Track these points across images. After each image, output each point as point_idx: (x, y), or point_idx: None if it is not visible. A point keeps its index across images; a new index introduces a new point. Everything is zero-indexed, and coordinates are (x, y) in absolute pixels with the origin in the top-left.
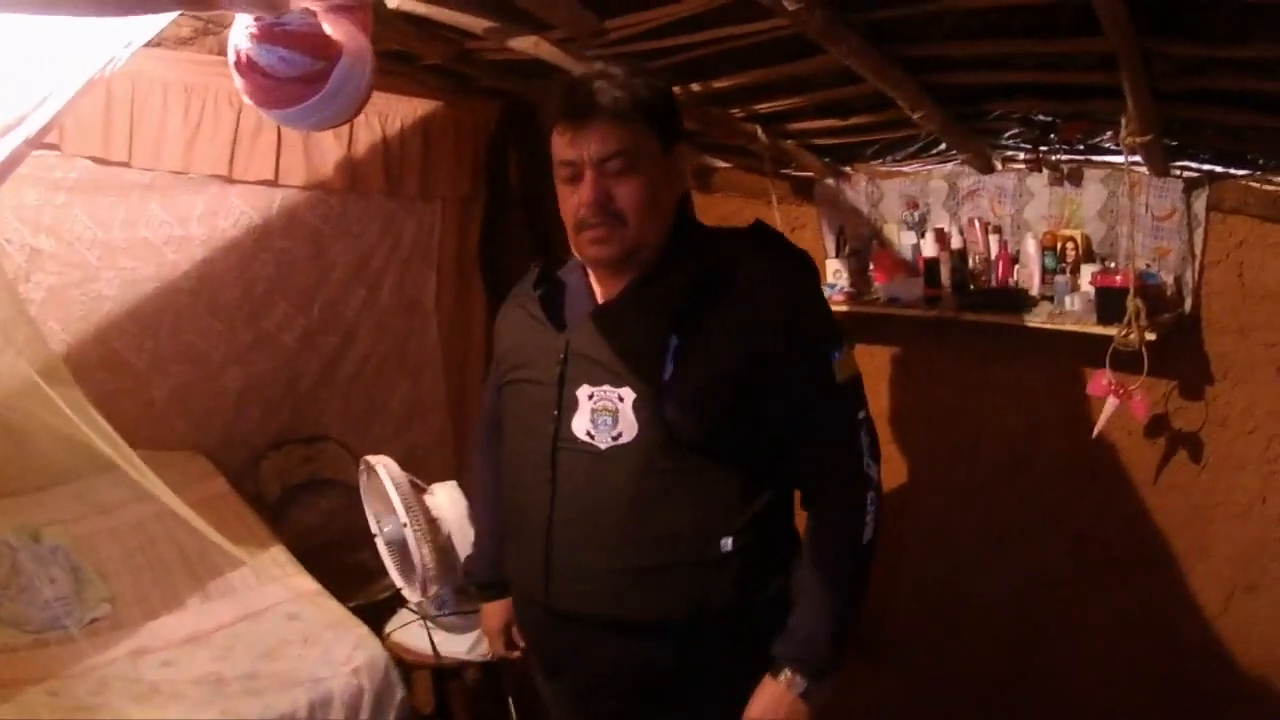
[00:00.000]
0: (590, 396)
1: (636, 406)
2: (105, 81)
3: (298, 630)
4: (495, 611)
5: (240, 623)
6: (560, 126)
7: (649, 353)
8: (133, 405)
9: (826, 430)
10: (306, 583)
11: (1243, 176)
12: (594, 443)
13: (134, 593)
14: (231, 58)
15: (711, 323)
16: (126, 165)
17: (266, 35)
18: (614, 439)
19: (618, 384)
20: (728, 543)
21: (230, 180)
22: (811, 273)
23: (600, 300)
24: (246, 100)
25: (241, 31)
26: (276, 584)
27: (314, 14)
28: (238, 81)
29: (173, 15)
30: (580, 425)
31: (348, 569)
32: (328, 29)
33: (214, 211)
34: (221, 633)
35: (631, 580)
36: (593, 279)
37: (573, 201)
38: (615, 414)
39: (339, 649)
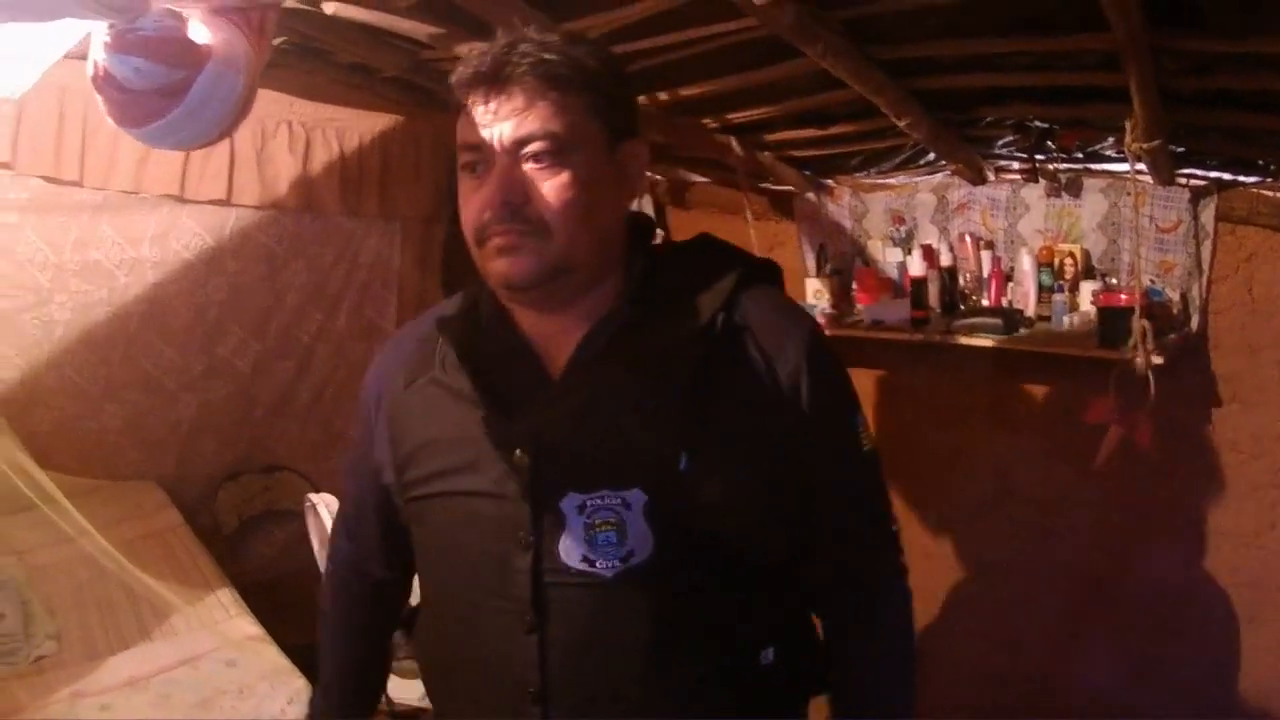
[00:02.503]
0: (582, 508)
1: (650, 512)
2: (59, 97)
3: (234, 679)
4: None
5: (179, 668)
6: (467, 99)
7: (660, 436)
8: (87, 433)
9: (856, 509)
10: (248, 626)
11: (1253, 184)
12: (596, 570)
13: (80, 630)
14: (90, 71)
15: (722, 388)
16: (78, 185)
17: (120, 43)
18: (622, 561)
19: (620, 485)
20: (769, 654)
21: (182, 200)
22: (812, 318)
23: (546, 359)
24: (108, 120)
25: (98, 42)
26: (217, 628)
27: (178, 17)
28: (98, 100)
29: (81, 32)
30: (572, 549)
31: (304, 602)
32: (200, 33)
33: (166, 233)
34: (160, 678)
35: None
36: (523, 326)
37: (475, 202)
38: (621, 527)
39: (272, 703)
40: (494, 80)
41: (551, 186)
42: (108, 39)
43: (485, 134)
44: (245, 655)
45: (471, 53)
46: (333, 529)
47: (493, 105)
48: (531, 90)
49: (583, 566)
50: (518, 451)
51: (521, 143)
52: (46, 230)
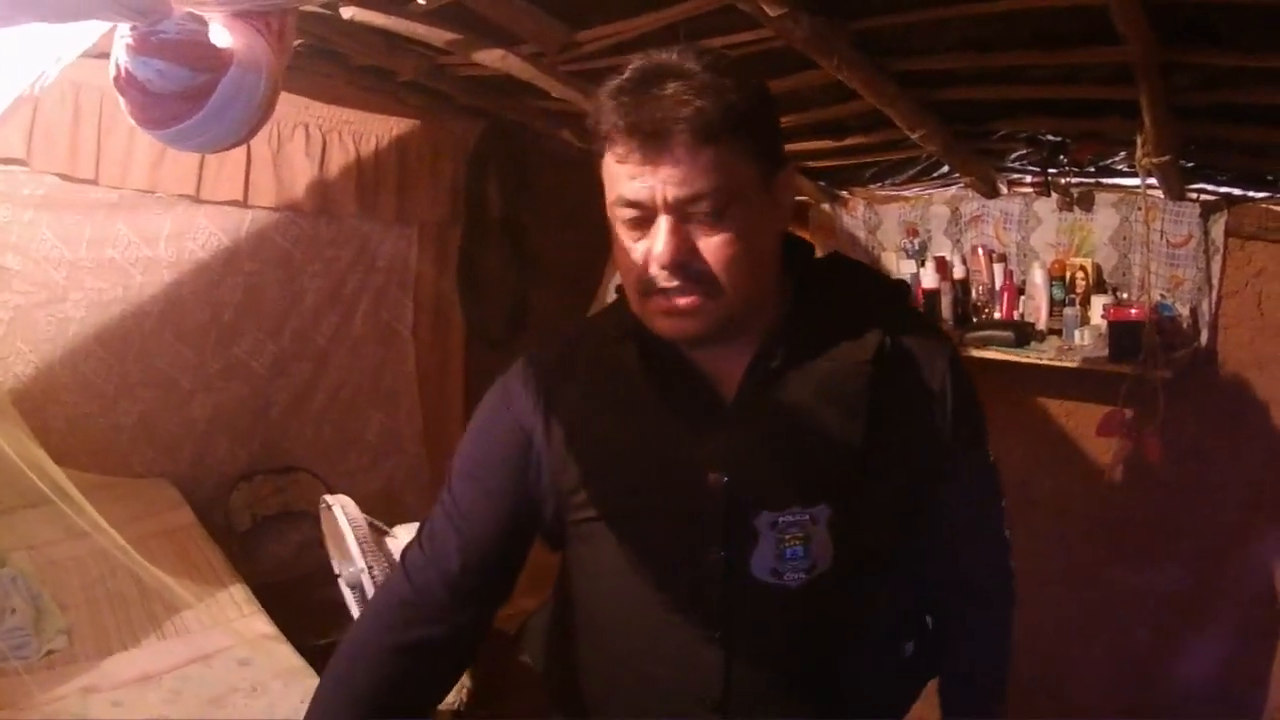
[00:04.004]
0: (775, 525)
1: (834, 526)
2: (74, 95)
3: (247, 678)
4: None
5: (191, 665)
6: (619, 148)
7: (843, 455)
8: (101, 430)
9: (985, 519)
10: (262, 625)
11: (1263, 199)
12: (783, 582)
13: (91, 626)
14: (111, 73)
15: (886, 407)
16: (93, 183)
17: (142, 46)
18: (807, 573)
19: (809, 503)
20: (910, 647)
21: (198, 200)
22: (951, 339)
23: (716, 380)
24: (131, 121)
25: (120, 44)
26: (231, 626)
27: (200, 21)
28: (120, 101)
29: (101, 29)
30: (762, 564)
31: (320, 604)
32: (221, 37)
33: (182, 232)
34: (172, 675)
35: None
36: (688, 350)
37: (637, 254)
38: (808, 541)
39: (285, 702)
40: (649, 135)
41: (719, 244)
42: (130, 41)
43: (646, 192)
44: (258, 654)
45: (607, 95)
46: (419, 577)
47: (651, 162)
48: (691, 146)
49: (770, 579)
50: (714, 472)
51: (686, 202)
52: (62, 227)
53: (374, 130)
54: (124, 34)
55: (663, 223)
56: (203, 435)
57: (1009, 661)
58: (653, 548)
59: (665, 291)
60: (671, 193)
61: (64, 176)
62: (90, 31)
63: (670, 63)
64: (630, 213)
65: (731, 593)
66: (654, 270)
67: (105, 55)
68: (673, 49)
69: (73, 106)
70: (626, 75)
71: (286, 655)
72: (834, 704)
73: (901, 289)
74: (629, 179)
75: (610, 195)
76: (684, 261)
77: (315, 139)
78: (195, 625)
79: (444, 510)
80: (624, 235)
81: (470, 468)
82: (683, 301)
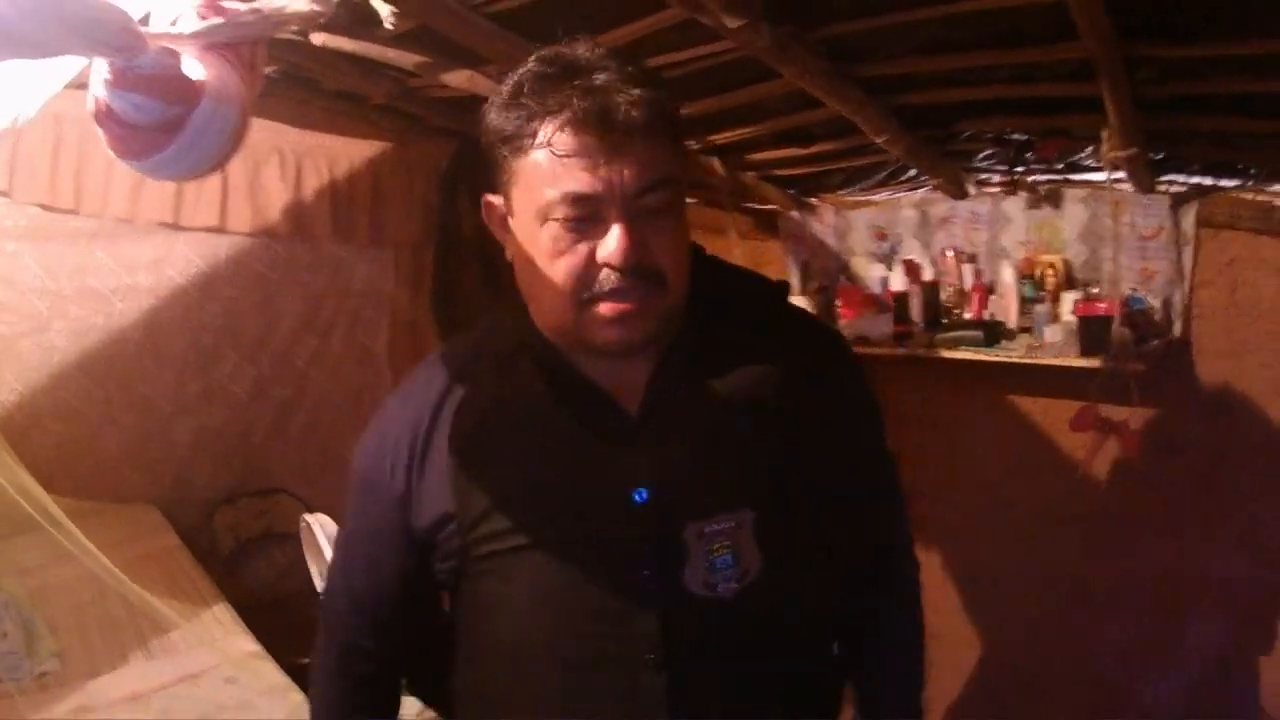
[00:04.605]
0: (701, 536)
1: (759, 530)
2: (56, 127)
3: (234, 695)
4: None
5: (179, 684)
6: (564, 143)
7: (759, 458)
8: (86, 457)
9: (888, 510)
10: (247, 644)
11: (1234, 188)
12: (717, 594)
13: (82, 647)
14: (90, 106)
15: (794, 405)
16: (74, 212)
17: (120, 80)
18: (738, 581)
19: (733, 509)
20: (835, 647)
21: (177, 227)
22: (838, 330)
23: (617, 395)
24: (110, 153)
25: (98, 78)
26: (216, 645)
27: (174, 55)
28: (99, 133)
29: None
30: (695, 578)
31: (304, 622)
32: (195, 70)
33: (161, 259)
34: (160, 694)
35: None
36: (582, 366)
37: (579, 257)
38: (736, 549)
39: (272, 717)
40: (610, 124)
41: (668, 239)
42: (108, 76)
43: (602, 184)
44: (244, 672)
45: (533, 88)
46: (335, 618)
47: (605, 153)
48: (646, 134)
49: (705, 593)
50: (634, 489)
51: (642, 194)
52: (44, 257)
53: (347, 154)
54: (101, 69)
55: (617, 227)
56: (185, 459)
57: (922, 654)
58: (577, 576)
59: (614, 294)
60: (630, 185)
61: (45, 207)
62: (69, 68)
63: (582, 56)
64: (574, 211)
65: (667, 612)
66: (602, 273)
67: (85, 86)
68: (568, 44)
69: (54, 138)
70: (540, 70)
71: (271, 673)
72: (778, 711)
73: (783, 287)
74: (579, 171)
75: (539, 198)
76: (639, 259)
77: (290, 164)
78: (182, 645)
79: (341, 571)
80: (558, 239)
81: (356, 532)
82: (634, 302)
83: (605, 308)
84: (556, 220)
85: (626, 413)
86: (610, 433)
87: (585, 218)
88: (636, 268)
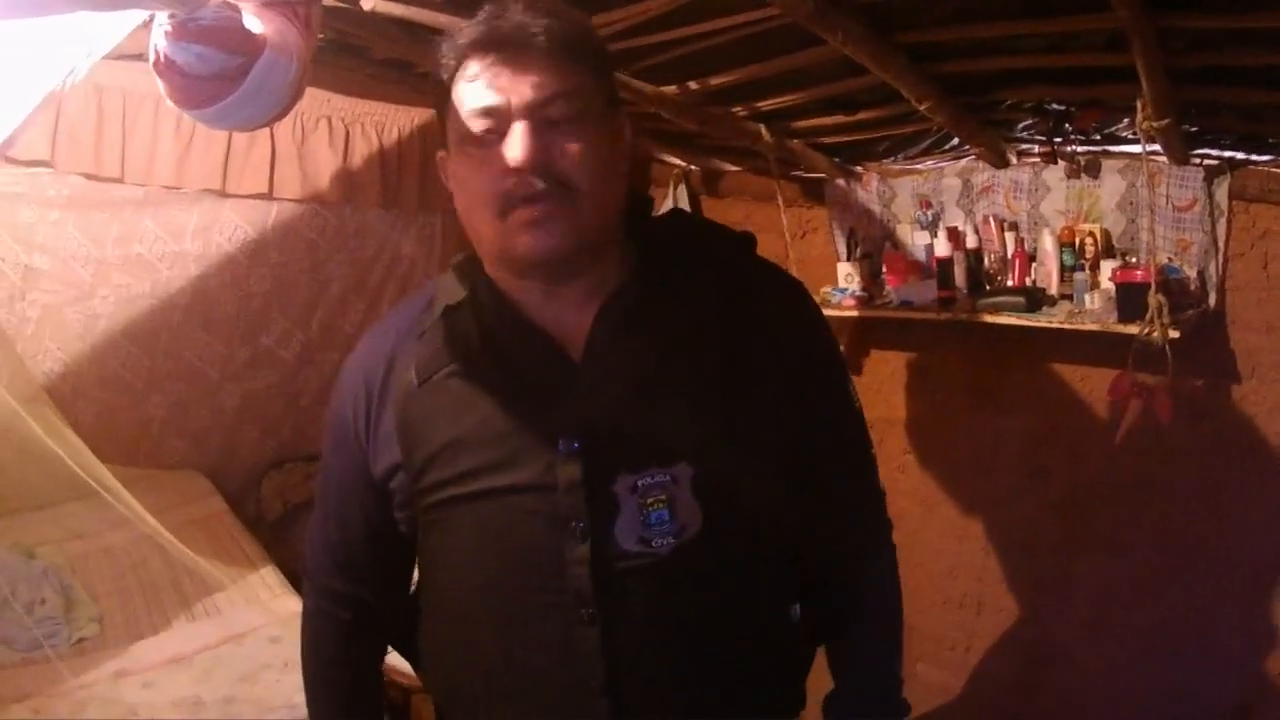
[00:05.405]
0: (634, 489)
1: (697, 485)
2: (97, 97)
3: (279, 654)
4: None
5: (223, 645)
6: (471, 68)
7: (698, 410)
8: (131, 424)
9: (854, 466)
10: (293, 605)
11: (1265, 162)
12: (653, 549)
13: (123, 613)
14: (151, 58)
15: (742, 357)
16: (119, 181)
17: (181, 32)
18: (676, 537)
19: (668, 462)
20: (795, 610)
21: (224, 194)
22: (800, 281)
23: (560, 340)
24: (169, 103)
25: (159, 30)
26: (262, 606)
27: (234, 8)
28: (159, 84)
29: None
30: (627, 532)
31: None
32: (253, 24)
33: (208, 226)
34: (204, 655)
35: (718, 696)
36: (528, 310)
37: (491, 171)
38: (671, 503)
39: None
40: (512, 43)
41: (576, 147)
42: (168, 28)
43: (502, 97)
44: (290, 631)
45: (465, 25)
46: (311, 560)
47: (507, 67)
48: (548, 53)
49: (639, 548)
50: (565, 439)
51: (544, 104)
52: (88, 226)
53: (396, 121)
54: (162, 21)
55: (519, 127)
56: (232, 425)
57: (900, 617)
58: (511, 527)
59: (527, 200)
60: (529, 94)
61: (89, 176)
62: (120, 27)
63: (518, 3)
64: (483, 123)
65: (600, 566)
66: (512, 181)
67: (126, 57)
68: None
69: (96, 108)
70: (469, 21)
71: None
72: (724, 673)
73: (747, 238)
74: (484, 89)
75: (460, 126)
76: (543, 160)
77: (339, 131)
78: (227, 607)
79: (316, 518)
80: (473, 157)
81: (329, 470)
82: (545, 208)
83: (518, 214)
84: (471, 142)
85: (569, 359)
86: (549, 381)
87: (493, 130)
88: (543, 173)
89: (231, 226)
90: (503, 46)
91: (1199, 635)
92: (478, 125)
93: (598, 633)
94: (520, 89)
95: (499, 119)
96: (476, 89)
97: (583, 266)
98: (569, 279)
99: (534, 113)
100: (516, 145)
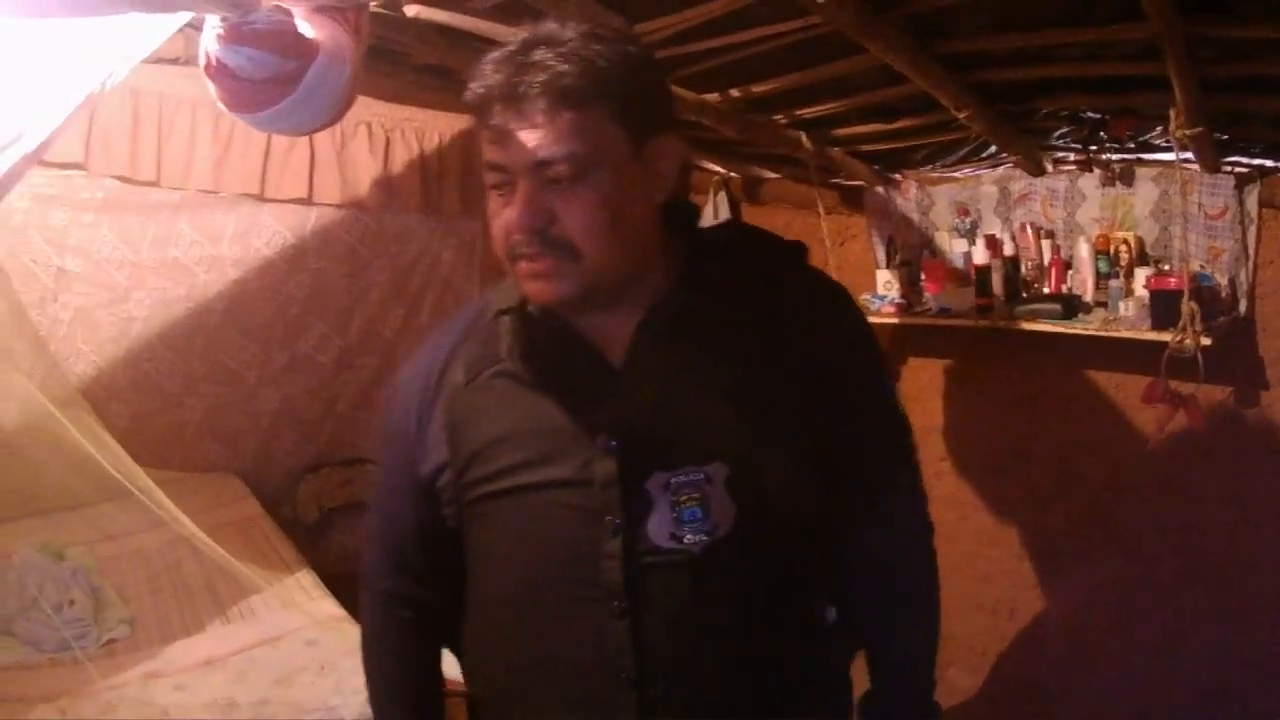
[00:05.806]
0: (667, 486)
1: (732, 485)
2: (133, 100)
3: (315, 657)
4: None
5: (258, 647)
6: (483, 115)
7: (735, 411)
8: (165, 427)
9: (895, 470)
10: (331, 608)
11: None
12: (684, 546)
13: (154, 615)
14: (202, 62)
15: (782, 361)
16: (155, 185)
17: (234, 36)
18: (709, 535)
19: (702, 461)
20: (831, 612)
21: (262, 199)
22: (844, 286)
23: (603, 347)
24: (221, 107)
25: (210, 34)
26: (298, 609)
27: (286, 13)
28: (210, 87)
29: (173, 28)
30: (660, 528)
31: None
32: (306, 29)
33: (246, 231)
34: (238, 657)
35: (745, 694)
36: (573, 319)
37: (503, 220)
38: (705, 501)
39: (354, 678)
40: (508, 99)
41: (576, 208)
42: (220, 32)
43: (504, 156)
44: (327, 634)
45: (485, 63)
46: (369, 563)
47: (510, 126)
48: (547, 109)
49: (671, 544)
50: (603, 438)
51: (542, 165)
52: (124, 229)
53: (437, 127)
54: (215, 25)
55: (521, 185)
56: (268, 429)
57: (937, 622)
58: (548, 521)
59: (525, 256)
60: (527, 156)
61: (124, 179)
62: (160, 30)
63: (547, 32)
64: (494, 177)
65: (632, 561)
66: (516, 237)
67: (162, 61)
68: (553, 25)
69: (131, 112)
70: (506, 46)
71: (355, 634)
72: (753, 672)
73: (798, 247)
74: (490, 143)
75: (482, 162)
76: (539, 227)
77: (379, 137)
78: (263, 610)
79: (372, 517)
80: (492, 203)
81: (384, 472)
82: (546, 264)
83: (522, 266)
84: (491, 184)
85: (609, 364)
86: (590, 384)
87: (502, 185)
88: (539, 235)
89: (270, 231)
90: (504, 101)
91: (1224, 638)
92: (490, 178)
93: (628, 625)
94: (521, 149)
95: (506, 175)
96: (488, 140)
97: (602, 303)
98: (594, 311)
99: (535, 173)
100: (515, 207)
